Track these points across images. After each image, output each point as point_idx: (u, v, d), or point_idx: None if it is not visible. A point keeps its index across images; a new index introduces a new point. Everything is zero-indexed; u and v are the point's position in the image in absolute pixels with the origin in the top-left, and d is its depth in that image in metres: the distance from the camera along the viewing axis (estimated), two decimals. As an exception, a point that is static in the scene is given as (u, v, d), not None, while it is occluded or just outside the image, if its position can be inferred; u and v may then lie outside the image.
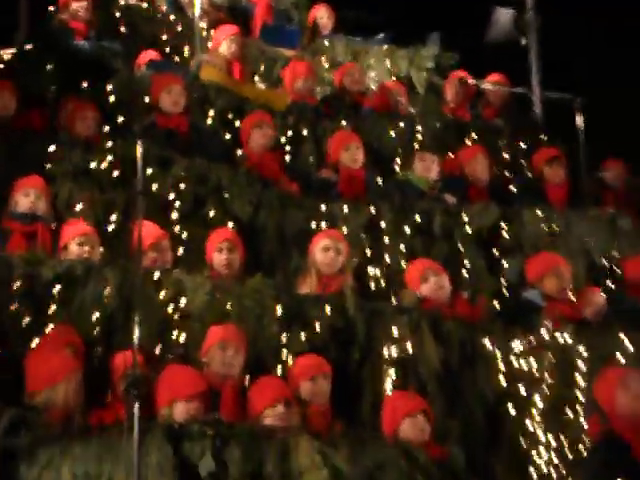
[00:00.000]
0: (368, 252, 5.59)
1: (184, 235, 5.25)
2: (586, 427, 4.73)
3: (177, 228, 5.24)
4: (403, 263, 5.55)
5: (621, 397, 4.35)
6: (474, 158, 6.72)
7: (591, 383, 4.80)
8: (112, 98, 6.24)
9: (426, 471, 3.98)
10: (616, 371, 4.70)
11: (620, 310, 5.41)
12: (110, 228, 5.21)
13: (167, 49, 7.83)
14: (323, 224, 5.64)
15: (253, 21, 8.51)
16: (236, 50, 7.37)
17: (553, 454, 4.76)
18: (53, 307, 4.53)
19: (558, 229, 5.99)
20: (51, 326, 4.44)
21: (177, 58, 7.81)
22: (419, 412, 4.29)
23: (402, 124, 7.20)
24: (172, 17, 8.16)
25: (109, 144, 5.58)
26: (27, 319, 4.48)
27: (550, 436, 4.77)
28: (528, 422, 4.78)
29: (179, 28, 8.06)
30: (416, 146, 7.04)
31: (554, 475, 4.78)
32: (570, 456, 4.74)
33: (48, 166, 5.40)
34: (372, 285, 5.52)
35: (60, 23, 7.26)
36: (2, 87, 5.97)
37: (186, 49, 7.90)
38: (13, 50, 6.71)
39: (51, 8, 7.53)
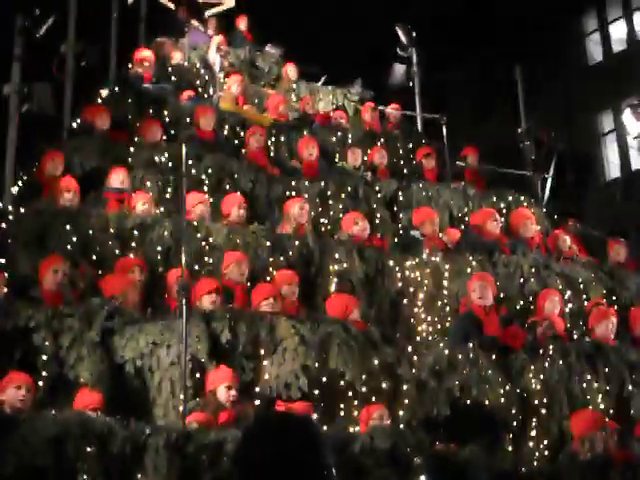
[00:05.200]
0: (320, 209, 6.99)
1: (211, 200, 6.42)
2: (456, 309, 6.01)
3: (206, 196, 6.42)
4: (340, 215, 6.88)
5: (474, 292, 5.83)
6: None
7: (452, 283, 6.23)
8: (167, 119, 7.82)
9: (355, 337, 5.28)
10: (473, 276, 6.07)
11: (467, 242, 6.89)
12: (167, 196, 6.51)
13: (200, 89, 9.15)
14: (293, 193, 6.94)
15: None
16: (241, 90, 8.84)
17: (430, 327, 6.16)
18: (133, 243, 5.84)
19: (431, 194, 7.50)
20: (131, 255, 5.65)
21: (205, 95, 9.08)
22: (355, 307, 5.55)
23: (339, 133, 8.54)
24: (202, 71, 9.57)
25: (166, 146, 7.08)
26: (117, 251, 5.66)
27: (429, 317, 6.23)
28: (416, 309, 6.23)
29: (206, 77, 9.40)
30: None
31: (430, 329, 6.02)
32: (440, 327, 6.14)
33: (129, 160, 6.84)
34: (322, 228, 6.89)
35: (135, 73, 8.66)
36: (101, 111, 7.30)
37: (211, 90, 9.12)
38: (107, 90, 7.96)
39: (129, 65, 8.98)
